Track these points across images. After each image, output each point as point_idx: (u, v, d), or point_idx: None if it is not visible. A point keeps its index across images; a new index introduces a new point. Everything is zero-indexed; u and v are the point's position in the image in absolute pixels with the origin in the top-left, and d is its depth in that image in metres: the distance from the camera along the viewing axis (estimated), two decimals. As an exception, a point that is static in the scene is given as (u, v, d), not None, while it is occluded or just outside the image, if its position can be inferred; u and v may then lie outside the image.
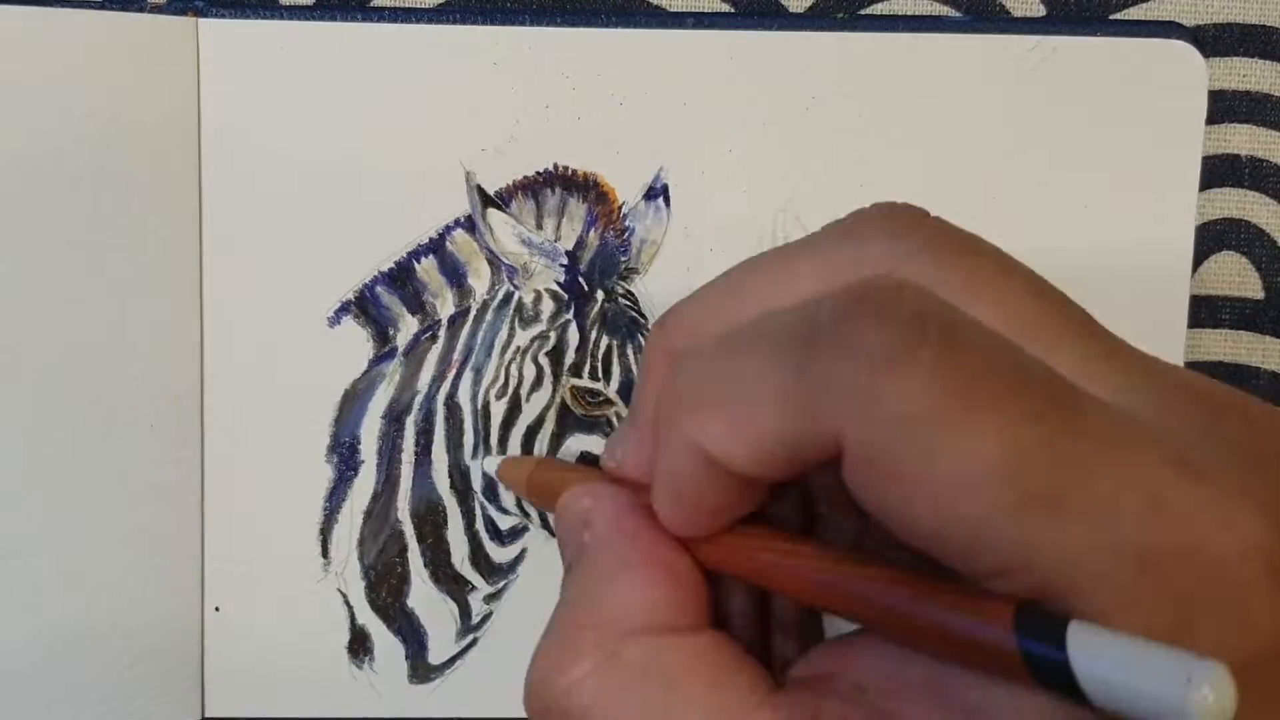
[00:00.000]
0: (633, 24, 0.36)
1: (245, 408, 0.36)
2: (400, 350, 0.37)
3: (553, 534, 0.37)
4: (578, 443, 0.37)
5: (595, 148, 0.36)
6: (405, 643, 0.37)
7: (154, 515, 0.36)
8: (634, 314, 0.37)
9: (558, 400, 0.37)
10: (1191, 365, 0.38)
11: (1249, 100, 0.37)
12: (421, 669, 0.37)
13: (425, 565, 0.37)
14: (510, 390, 0.37)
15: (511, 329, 0.37)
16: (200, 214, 0.36)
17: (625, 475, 0.23)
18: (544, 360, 0.37)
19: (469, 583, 0.37)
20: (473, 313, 0.37)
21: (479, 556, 0.37)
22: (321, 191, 0.36)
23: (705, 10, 0.37)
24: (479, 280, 0.36)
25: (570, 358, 0.37)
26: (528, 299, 0.37)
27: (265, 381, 0.36)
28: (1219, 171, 0.38)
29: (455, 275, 0.36)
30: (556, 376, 0.37)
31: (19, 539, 0.35)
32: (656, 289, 0.36)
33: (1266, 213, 0.38)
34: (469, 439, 0.37)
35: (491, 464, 0.35)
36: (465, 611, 0.37)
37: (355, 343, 0.36)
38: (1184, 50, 0.36)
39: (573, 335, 0.37)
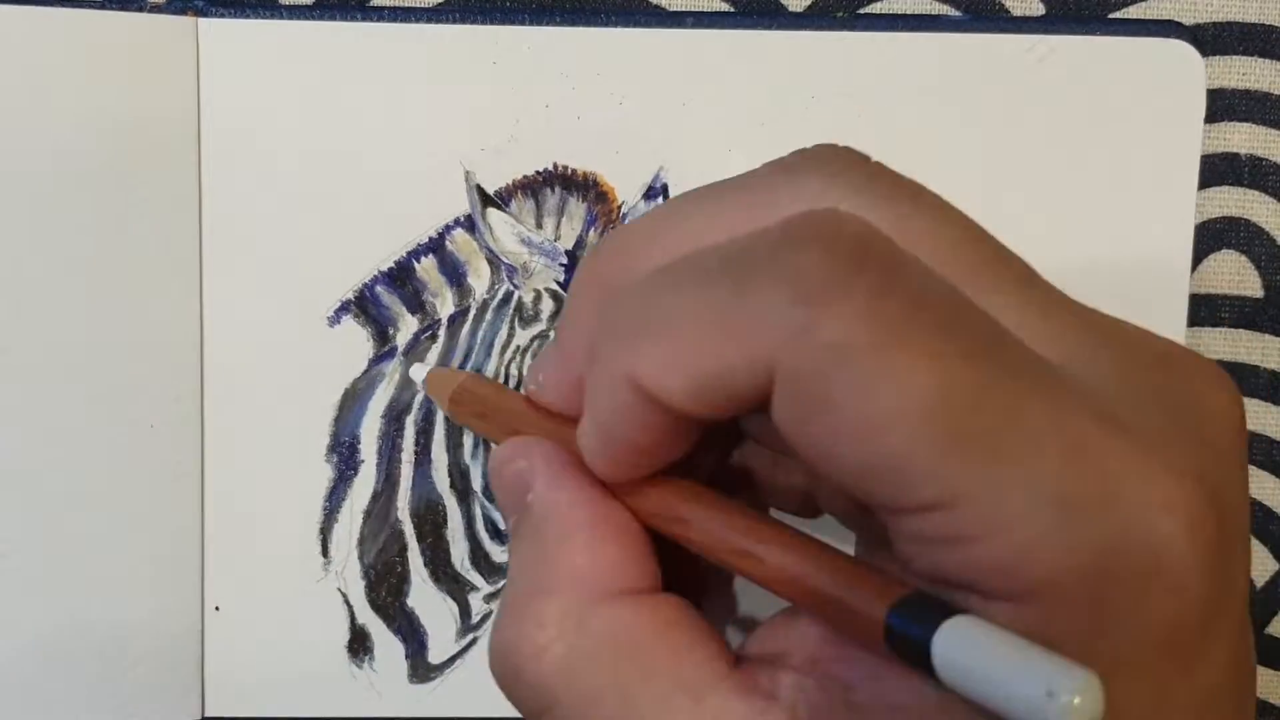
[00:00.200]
0: (632, 23, 0.36)
1: (245, 407, 0.36)
2: (400, 349, 0.37)
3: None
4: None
5: (595, 147, 0.36)
6: (405, 642, 0.37)
7: (154, 515, 0.36)
8: (634, 313, 0.36)
9: (557, 400, 0.37)
10: None
11: (1249, 99, 0.38)
12: (422, 668, 0.37)
13: (425, 565, 0.37)
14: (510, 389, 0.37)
15: (511, 328, 0.37)
16: (200, 213, 0.36)
17: (546, 401, 0.23)
18: (544, 360, 0.37)
19: (469, 582, 0.37)
20: (472, 312, 0.37)
21: (479, 556, 0.37)
22: (321, 190, 0.36)
23: (705, 10, 0.37)
24: (479, 280, 0.36)
25: (570, 357, 0.37)
26: (528, 298, 0.37)
27: (265, 381, 0.36)
28: (1219, 170, 0.38)
29: (455, 275, 0.36)
30: (556, 376, 0.37)
31: (19, 539, 0.35)
32: (656, 288, 0.36)
33: (1266, 211, 0.38)
34: (468, 439, 0.37)
35: (419, 371, 0.34)
36: (465, 611, 0.37)
37: (355, 342, 0.36)
38: (1182, 49, 0.36)
39: (572, 335, 0.36)
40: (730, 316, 0.18)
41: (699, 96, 0.36)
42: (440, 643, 0.37)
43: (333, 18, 0.35)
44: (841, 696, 0.19)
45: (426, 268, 0.36)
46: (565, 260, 0.36)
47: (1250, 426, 0.38)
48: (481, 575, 0.37)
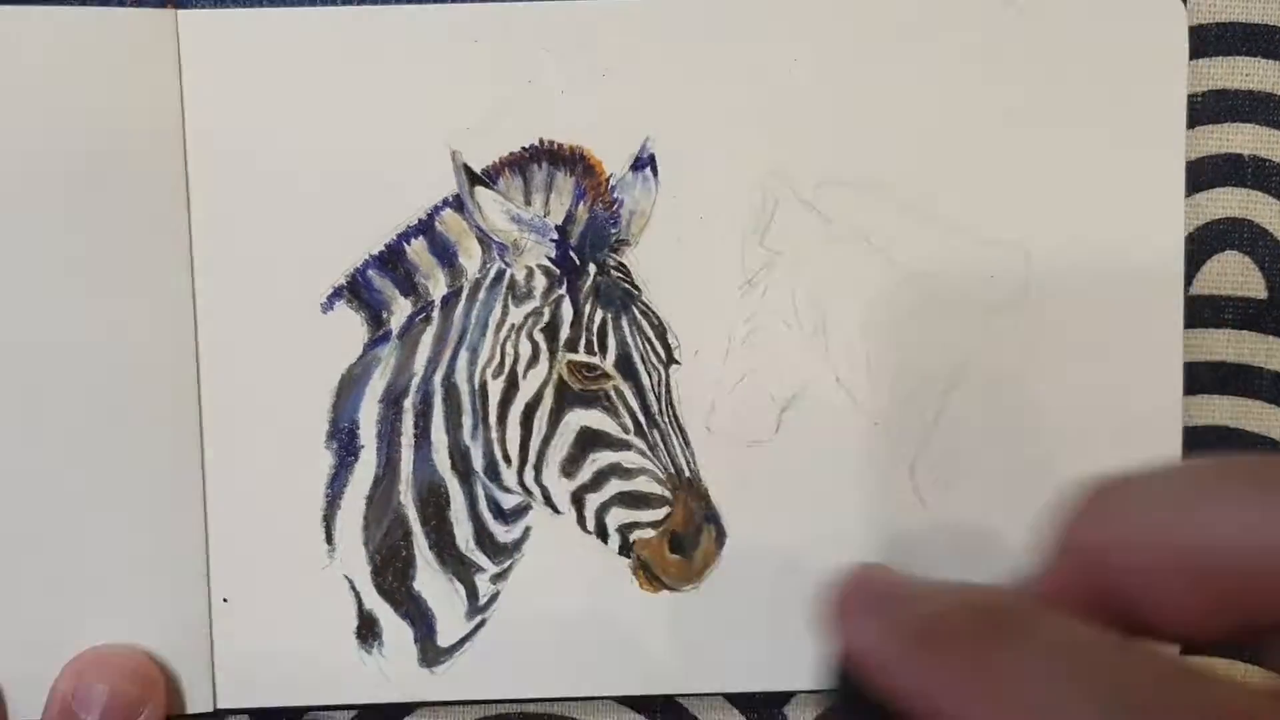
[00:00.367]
0: (612, -5, 0.36)
1: (243, 398, 0.36)
2: (394, 333, 0.36)
3: (555, 510, 0.37)
4: (577, 418, 0.36)
5: (580, 121, 0.36)
6: (414, 626, 0.37)
7: (157, 510, 0.36)
8: (627, 286, 0.36)
9: (554, 376, 0.37)
10: (1194, 365, 0.38)
11: (1251, 99, 0.37)
12: (431, 652, 0.37)
13: (430, 548, 0.37)
14: (507, 368, 0.37)
15: (505, 307, 0.37)
16: (188, 206, 0.36)
17: None
18: (539, 336, 0.36)
19: (475, 563, 0.37)
20: (465, 292, 0.37)
21: (483, 537, 0.37)
22: (308, 177, 0.36)
23: (684, -22, 0.36)
24: (470, 259, 0.36)
25: (565, 333, 0.36)
26: (520, 276, 0.36)
27: (261, 370, 0.36)
28: (1221, 171, 0.37)
29: (446, 255, 0.36)
30: (552, 352, 0.36)
31: (22, 537, 0.35)
32: (648, 259, 0.36)
33: (1269, 212, 0.38)
34: (467, 419, 0.37)
35: None
36: (472, 592, 0.37)
37: (349, 327, 0.36)
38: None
39: (566, 310, 0.36)
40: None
41: (681, 64, 0.36)
42: (449, 625, 0.37)
43: (311, 3, 0.35)
44: None
45: (417, 249, 0.36)
46: (555, 235, 0.36)
47: (1254, 428, 0.38)
48: (487, 556, 0.37)
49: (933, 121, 0.36)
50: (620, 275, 0.36)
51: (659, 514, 0.37)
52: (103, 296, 0.35)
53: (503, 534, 0.37)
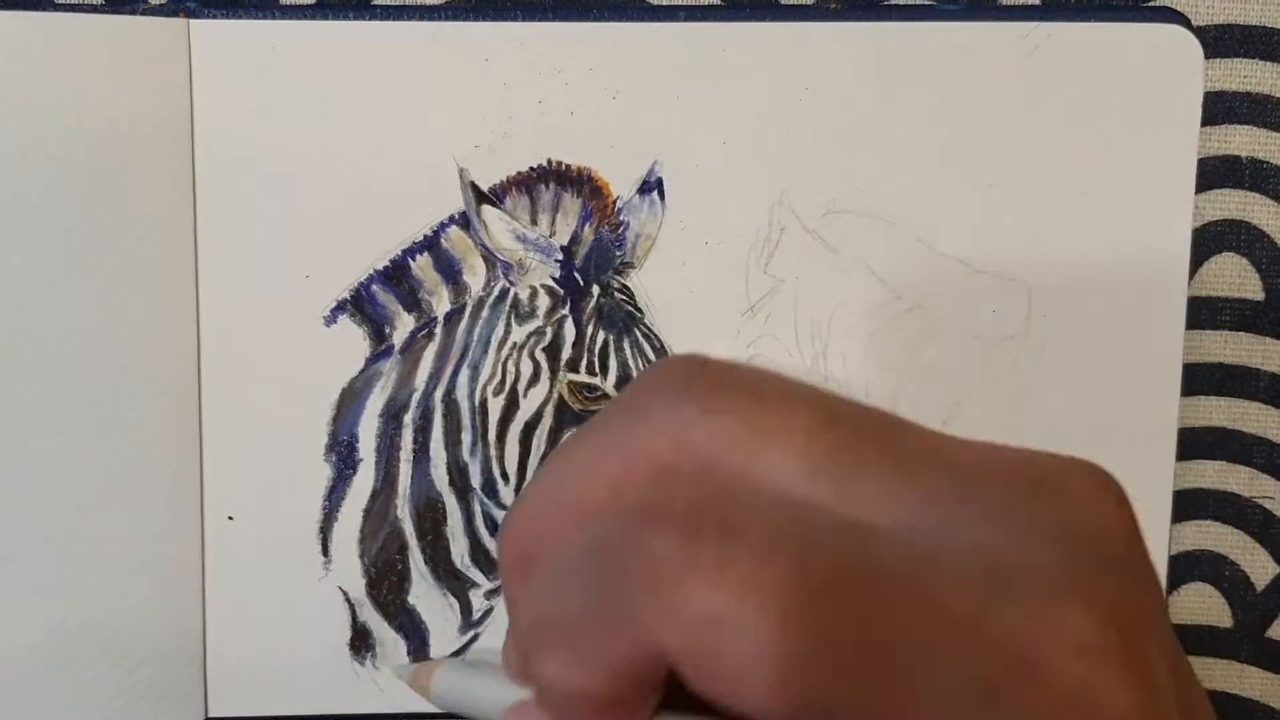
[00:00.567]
0: (625, 17, 0.36)
1: (243, 408, 0.36)
2: (397, 348, 0.37)
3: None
4: (576, 438, 0.37)
5: (589, 142, 0.36)
6: (407, 639, 0.37)
7: (154, 516, 0.36)
8: (630, 308, 0.36)
9: (555, 396, 0.37)
10: (1192, 367, 0.38)
11: (1249, 101, 0.37)
12: (423, 666, 0.37)
13: (426, 562, 0.37)
14: (507, 386, 0.37)
15: (508, 325, 0.37)
16: (195, 215, 0.36)
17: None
18: (540, 356, 0.37)
19: (470, 579, 0.37)
20: (469, 309, 0.37)
21: (479, 553, 0.37)
22: (315, 190, 0.36)
23: (697, 3, 0.36)
24: (474, 277, 0.36)
25: (567, 353, 0.37)
26: (523, 295, 0.36)
27: (262, 381, 0.36)
28: (1219, 172, 0.37)
29: (450, 272, 0.36)
30: (553, 372, 0.37)
31: (19, 541, 0.35)
32: (652, 283, 0.36)
33: (1267, 214, 0.38)
34: (467, 436, 0.37)
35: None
36: (466, 608, 0.37)
37: (352, 341, 0.36)
38: (1180, 35, 0.36)
39: (569, 330, 0.36)
40: (607, 614, 0.18)
41: (692, 89, 0.36)
42: (442, 640, 0.37)
43: (324, 16, 0.35)
44: None
45: (422, 265, 0.36)
46: (560, 256, 0.36)
47: (1250, 430, 0.38)
48: (482, 572, 0.37)
49: (940, 154, 0.36)
50: (624, 297, 0.36)
51: (655, 536, 0.37)
52: (106, 303, 0.35)
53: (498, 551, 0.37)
